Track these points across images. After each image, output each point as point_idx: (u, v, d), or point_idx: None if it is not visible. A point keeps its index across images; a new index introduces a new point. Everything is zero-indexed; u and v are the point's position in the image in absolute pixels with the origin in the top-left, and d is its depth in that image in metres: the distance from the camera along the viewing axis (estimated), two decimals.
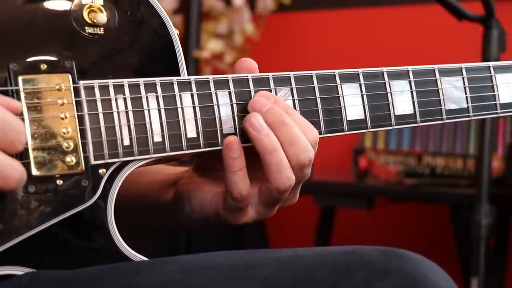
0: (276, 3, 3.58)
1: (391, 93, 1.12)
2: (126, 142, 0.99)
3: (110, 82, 0.99)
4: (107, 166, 0.99)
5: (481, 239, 2.18)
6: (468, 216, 2.24)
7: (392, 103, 1.12)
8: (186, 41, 3.47)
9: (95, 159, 0.98)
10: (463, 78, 1.17)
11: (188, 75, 1.05)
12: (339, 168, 3.41)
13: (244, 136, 1.04)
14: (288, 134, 1.03)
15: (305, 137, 1.04)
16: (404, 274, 0.90)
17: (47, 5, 0.99)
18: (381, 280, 0.90)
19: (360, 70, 1.11)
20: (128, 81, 1.00)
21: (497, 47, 2.13)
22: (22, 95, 0.95)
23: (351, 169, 3.21)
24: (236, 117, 1.05)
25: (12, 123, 0.88)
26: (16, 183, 0.88)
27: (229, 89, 1.05)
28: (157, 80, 1.01)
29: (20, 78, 0.95)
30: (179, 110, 1.02)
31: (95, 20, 1.00)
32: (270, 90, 1.07)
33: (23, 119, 0.94)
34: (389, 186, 2.84)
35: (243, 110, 1.05)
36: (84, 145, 0.97)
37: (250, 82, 1.06)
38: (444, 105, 1.15)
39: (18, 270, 0.95)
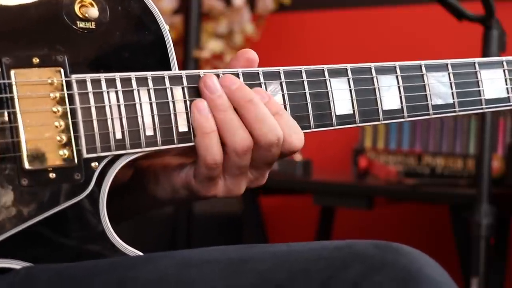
0: (276, 3, 3.59)
1: (378, 88, 1.13)
2: (118, 135, 0.99)
3: (102, 76, 0.99)
4: (99, 159, 0.99)
5: (481, 239, 2.18)
6: (468, 216, 2.24)
7: (380, 98, 1.13)
8: (186, 41, 3.47)
9: (87, 153, 0.98)
10: (448, 74, 1.18)
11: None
12: (339, 168, 3.42)
13: None
14: (256, 113, 1.03)
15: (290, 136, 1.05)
16: (399, 268, 0.90)
17: None
18: (376, 274, 0.89)
19: (348, 65, 1.12)
20: (120, 75, 1.00)
21: (497, 47, 2.13)
22: (15, 88, 0.95)
23: (351, 169, 3.21)
24: None
25: None
26: None
27: None
28: (149, 74, 1.02)
29: (12, 72, 0.96)
30: (171, 104, 1.02)
31: (86, 15, 1.00)
32: (260, 85, 1.07)
33: (15, 113, 0.94)
34: (389, 186, 2.84)
35: None
36: (77, 138, 0.97)
37: (240, 77, 1.06)
38: (431, 100, 1.16)
39: (12, 264, 0.96)
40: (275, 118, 1.04)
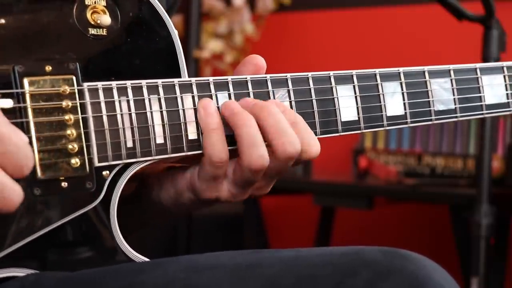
0: (276, 3, 3.59)
1: (383, 95, 1.14)
2: (129, 144, 0.99)
3: (114, 84, 0.99)
4: (110, 168, 0.99)
5: (481, 239, 2.19)
6: (468, 216, 2.24)
7: (384, 104, 1.14)
8: (186, 41, 3.47)
9: (99, 161, 0.98)
10: (451, 80, 1.19)
11: (189, 74, 1.06)
12: (339, 168, 3.42)
13: None
14: (275, 124, 1.03)
15: (303, 143, 1.04)
16: (407, 275, 0.90)
17: (51, 6, 0.99)
18: (384, 281, 0.90)
19: (354, 72, 1.13)
20: (131, 83, 1.00)
21: (497, 47, 2.14)
22: (28, 97, 0.95)
23: (351, 169, 3.22)
24: None
25: (23, 148, 0.88)
26: (15, 206, 0.88)
27: (229, 91, 1.06)
28: (159, 82, 1.02)
29: (25, 80, 0.95)
30: (181, 112, 1.03)
31: (98, 21, 1.00)
32: (268, 92, 1.08)
33: (28, 122, 0.94)
34: (389, 186, 2.84)
35: None
36: (88, 147, 0.97)
37: (249, 84, 1.07)
38: (433, 106, 1.17)
39: (22, 272, 0.96)
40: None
